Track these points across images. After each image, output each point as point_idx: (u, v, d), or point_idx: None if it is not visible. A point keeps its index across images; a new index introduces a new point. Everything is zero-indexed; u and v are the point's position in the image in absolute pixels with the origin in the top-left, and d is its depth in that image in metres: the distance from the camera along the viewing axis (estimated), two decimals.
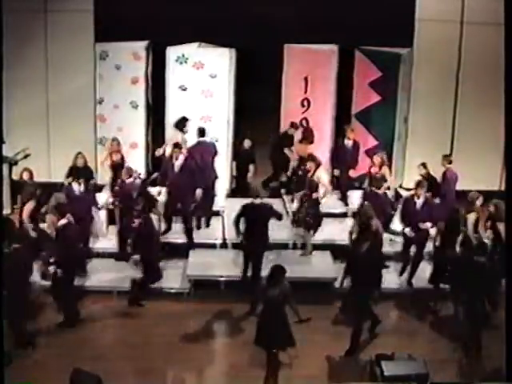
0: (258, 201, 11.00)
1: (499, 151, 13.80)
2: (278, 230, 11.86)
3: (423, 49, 13.93)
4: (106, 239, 12.28)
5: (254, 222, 10.90)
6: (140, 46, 13.50)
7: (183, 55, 13.42)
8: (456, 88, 14.44)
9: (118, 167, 12.34)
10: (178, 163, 12.03)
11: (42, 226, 11.49)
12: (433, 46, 13.95)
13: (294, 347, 8.67)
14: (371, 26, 13.48)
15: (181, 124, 12.97)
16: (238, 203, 12.42)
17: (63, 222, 10.30)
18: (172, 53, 13.44)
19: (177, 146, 12.21)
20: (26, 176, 12.15)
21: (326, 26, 13.56)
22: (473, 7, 13.94)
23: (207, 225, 12.66)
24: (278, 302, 8.51)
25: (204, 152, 12.59)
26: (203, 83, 13.51)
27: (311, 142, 13.61)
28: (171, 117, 13.64)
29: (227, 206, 13.06)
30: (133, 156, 13.47)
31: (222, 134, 13.63)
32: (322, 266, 11.72)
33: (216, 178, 12.75)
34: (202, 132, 12.79)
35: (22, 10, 13.16)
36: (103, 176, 13.11)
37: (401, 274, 11.58)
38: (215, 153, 12.81)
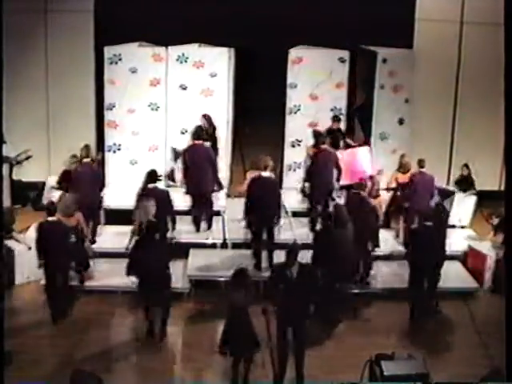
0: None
1: (499, 151, 13.81)
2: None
3: (423, 49, 13.94)
4: (106, 240, 12.24)
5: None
6: (161, 47, 13.41)
7: (183, 54, 13.43)
8: (456, 88, 14.45)
9: None
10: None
11: None
12: (433, 46, 13.97)
13: (259, 351, 8.67)
14: (371, 26, 13.47)
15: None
16: (238, 203, 12.48)
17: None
18: (172, 52, 13.45)
19: None
20: None
21: (325, 26, 13.55)
22: (473, 7, 13.96)
23: (208, 227, 12.49)
24: (244, 305, 8.49)
25: (199, 157, 12.10)
26: (203, 82, 13.52)
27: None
28: (171, 116, 13.66)
29: (227, 205, 13.05)
30: (152, 159, 13.44)
31: (221, 133, 13.63)
32: None
33: (213, 186, 12.34)
34: (198, 133, 12.31)
35: (22, 11, 13.18)
36: None
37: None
38: (211, 160, 12.19)
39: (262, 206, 11.18)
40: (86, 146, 12.14)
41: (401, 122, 14.06)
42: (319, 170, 12.23)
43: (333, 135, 13.06)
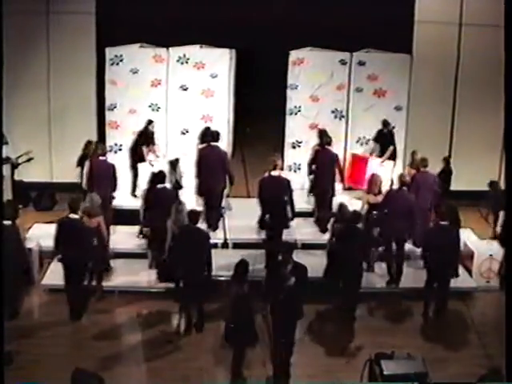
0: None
1: (497, 152, 13.87)
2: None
3: (422, 51, 13.95)
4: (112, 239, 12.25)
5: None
6: (162, 49, 13.46)
7: (184, 55, 13.47)
8: (455, 89, 14.46)
9: None
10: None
11: None
12: (432, 48, 13.98)
13: (257, 342, 8.85)
14: (371, 28, 13.49)
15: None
16: (238, 203, 12.52)
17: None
18: (173, 53, 13.49)
19: None
20: None
21: (325, 28, 13.57)
22: (471, 9, 13.98)
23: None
24: (247, 298, 8.58)
25: (215, 159, 12.15)
26: (204, 83, 13.56)
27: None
28: (172, 116, 13.70)
29: (228, 205, 13.09)
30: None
31: (222, 134, 13.64)
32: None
33: (224, 187, 12.45)
34: (215, 136, 12.34)
35: (24, 12, 13.23)
36: None
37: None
38: (226, 161, 12.32)
39: (274, 205, 11.25)
40: (99, 143, 12.25)
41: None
42: (319, 170, 12.36)
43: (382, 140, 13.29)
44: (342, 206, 11.06)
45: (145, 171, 12.69)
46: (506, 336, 7.74)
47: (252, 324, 8.69)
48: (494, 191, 13.04)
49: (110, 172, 11.87)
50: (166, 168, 12.10)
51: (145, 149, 13.09)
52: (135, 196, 12.92)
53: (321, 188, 12.43)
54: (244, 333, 8.64)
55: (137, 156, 13.09)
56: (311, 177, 12.71)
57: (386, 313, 10.87)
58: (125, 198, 12.88)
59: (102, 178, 11.74)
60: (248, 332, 8.66)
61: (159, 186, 11.16)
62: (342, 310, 10.59)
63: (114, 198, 12.00)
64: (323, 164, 12.38)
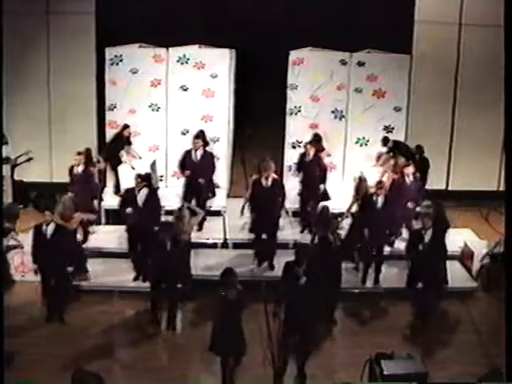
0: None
1: (497, 152, 13.87)
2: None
3: (422, 51, 13.96)
4: (104, 239, 12.28)
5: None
6: (162, 48, 13.46)
7: (184, 56, 13.47)
8: (454, 90, 14.47)
9: None
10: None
11: None
12: (432, 48, 13.99)
13: (244, 355, 8.73)
14: (371, 28, 13.49)
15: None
16: (238, 203, 12.52)
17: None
18: (173, 53, 13.50)
19: None
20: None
21: (325, 28, 13.59)
22: (471, 9, 13.99)
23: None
24: (235, 305, 8.47)
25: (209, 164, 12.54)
26: (204, 83, 13.56)
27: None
28: (172, 117, 13.70)
29: (228, 205, 13.10)
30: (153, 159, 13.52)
31: (222, 134, 13.68)
32: None
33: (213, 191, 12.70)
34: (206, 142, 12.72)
35: (25, 13, 13.25)
36: None
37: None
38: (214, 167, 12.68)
39: (263, 208, 11.26)
40: (85, 151, 12.30)
41: (388, 129, 13.92)
42: (305, 172, 12.52)
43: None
44: (324, 209, 11.02)
45: (127, 174, 12.83)
46: (506, 336, 7.74)
47: (239, 332, 8.56)
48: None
49: (91, 179, 12.06)
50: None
51: (123, 152, 13.18)
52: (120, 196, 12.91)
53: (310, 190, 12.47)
54: (230, 341, 8.54)
55: (115, 159, 13.18)
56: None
57: (385, 312, 10.89)
58: (114, 198, 12.92)
59: (83, 184, 11.89)
60: (234, 340, 8.55)
61: (140, 187, 11.11)
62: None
63: (95, 204, 12.10)
64: (313, 166, 12.45)
